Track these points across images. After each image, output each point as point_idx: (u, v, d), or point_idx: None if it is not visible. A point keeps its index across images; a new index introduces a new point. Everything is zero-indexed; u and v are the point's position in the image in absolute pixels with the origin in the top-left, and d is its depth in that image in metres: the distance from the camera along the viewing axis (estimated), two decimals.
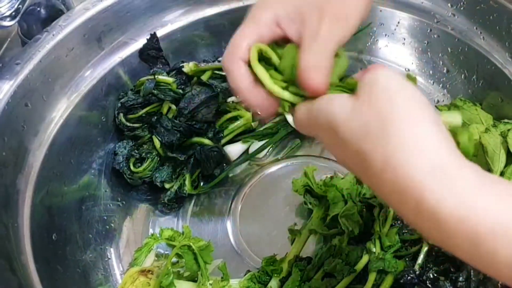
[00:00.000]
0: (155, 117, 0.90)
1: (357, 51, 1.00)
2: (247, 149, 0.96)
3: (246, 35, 0.50)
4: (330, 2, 0.48)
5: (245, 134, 0.96)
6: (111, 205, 0.90)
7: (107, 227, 0.88)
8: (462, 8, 0.89)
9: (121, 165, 0.89)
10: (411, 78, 0.48)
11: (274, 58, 0.51)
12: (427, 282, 0.67)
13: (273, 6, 0.50)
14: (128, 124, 0.90)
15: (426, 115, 0.40)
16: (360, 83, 0.44)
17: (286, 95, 0.50)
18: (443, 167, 0.37)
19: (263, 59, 0.51)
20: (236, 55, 0.50)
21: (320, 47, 0.47)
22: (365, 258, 0.71)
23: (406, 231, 0.74)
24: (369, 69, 0.44)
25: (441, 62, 0.96)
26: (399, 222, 0.75)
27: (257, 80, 0.50)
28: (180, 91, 0.91)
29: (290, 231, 0.83)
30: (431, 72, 0.98)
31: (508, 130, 0.71)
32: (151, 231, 0.89)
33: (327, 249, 0.74)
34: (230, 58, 0.50)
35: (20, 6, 0.81)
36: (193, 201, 0.92)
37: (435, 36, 0.93)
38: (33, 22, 0.88)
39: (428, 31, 0.93)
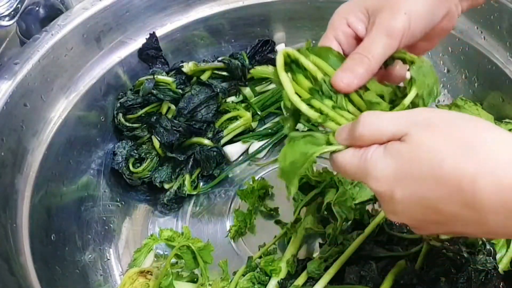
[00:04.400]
0: (155, 117, 0.90)
1: None
2: (247, 149, 0.96)
3: (328, 39, 0.55)
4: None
5: (245, 134, 0.96)
6: (110, 205, 0.89)
7: (106, 227, 0.87)
8: None
9: (120, 165, 0.89)
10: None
11: (305, 62, 0.51)
12: (428, 282, 0.67)
13: (345, 12, 0.55)
14: (127, 124, 0.90)
15: (488, 124, 0.40)
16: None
17: (304, 107, 0.50)
18: None
19: (295, 62, 0.53)
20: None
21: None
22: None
23: (406, 230, 0.74)
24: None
25: (441, 62, 0.95)
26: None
27: None
28: (180, 91, 0.91)
29: (276, 222, 0.84)
30: None
31: (510, 130, 0.70)
32: (150, 231, 0.88)
33: None
34: None
35: (19, 5, 0.81)
36: (192, 202, 0.92)
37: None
38: (32, 22, 0.88)
39: None
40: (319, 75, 0.51)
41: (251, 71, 0.57)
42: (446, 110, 0.43)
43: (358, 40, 0.54)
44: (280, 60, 0.52)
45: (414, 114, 0.43)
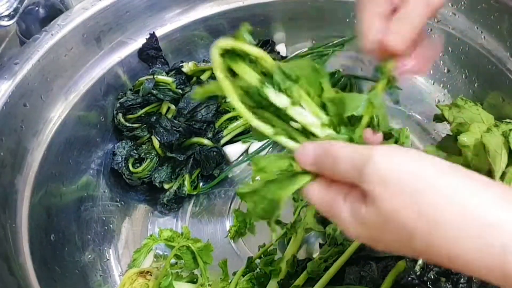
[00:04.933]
0: (154, 117, 0.90)
1: (357, 51, 1.00)
2: (247, 149, 0.96)
3: (369, 14, 0.50)
4: None
5: (245, 134, 0.96)
6: (109, 205, 0.89)
7: (106, 227, 0.87)
8: (463, 8, 0.89)
9: (120, 166, 0.89)
10: (403, 134, 0.46)
11: (248, 49, 0.46)
12: (428, 283, 0.66)
13: None
14: (127, 124, 0.90)
15: (452, 185, 0.37)
16: (366, 186, 0.39)
17: (254, 122, 0.44)
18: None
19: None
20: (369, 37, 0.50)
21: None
22: None
23: None
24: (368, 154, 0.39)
25: (441, 62, 0.95)
26: None
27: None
28: (180, 91, 0.91)
29: (276, 222, 0.83)
30: (431, 72, 0.98)
31: (510, 130, 0.70)
32: (150, 231, 0.88)
33: None
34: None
35: (19, 5, 0.80)
36: (192, 202, 0.92)
37: (436, 35, 0.92)
38: (32, 22, 0.87)
39: (429, 30, 0.92)
40: (269, 62, 0.45)
41: (193, 96, 0.50)
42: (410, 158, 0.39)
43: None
44: (217, 61, 0.46)
45: (367, 166, 0.39)
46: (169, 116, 0.90)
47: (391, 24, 0.49)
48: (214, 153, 0.90)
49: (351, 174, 0.39)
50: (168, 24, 0.94)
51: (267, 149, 0.96)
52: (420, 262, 0.69)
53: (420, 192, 0.36)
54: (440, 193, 0.36)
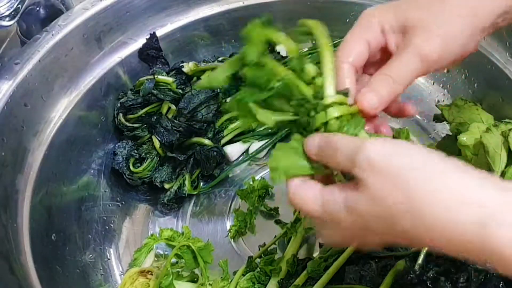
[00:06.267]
0: (155, 117, 0.90)
1: None
2: (247, 149, 0.96)
3: (357, 38, 0.51)
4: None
5: (245, 134, 0.96)
6: (110, 205, 0.89)
7: (107, 227, 0.87)
8: None
9: (121, 165, 0.89)
10: (403, 134, 0.47)
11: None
12: (427, 282, 0.67)
13: (381, 16, 0.51)
14: (128, 124, 0.90)
15: (437, 170, 0.38)
16: (356, 171, 0.41)
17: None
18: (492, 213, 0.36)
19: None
20: (343, 57, 0.50)
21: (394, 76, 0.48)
22: None
23: None
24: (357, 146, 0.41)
25: None
26: None
27: None
28: (180, 91, 0.91)
29: (276, 222, 0.84)
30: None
31: (509, 130, 0.70)
32: (150, 231, 0.88)
33: None
34: (339, 56, 0.50)
35: (19, 5, 0.81)
36: (192, 201, 0.92)
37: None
38: (32, 22, 0.88)
39: None
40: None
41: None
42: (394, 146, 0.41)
43: (383, 52, 0.51)
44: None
45: (359, 153, 0.41)
46: (170, 116, 0.90)
47: (373, 79, 0.48)
48: (215, 153, 0.90)
49: (347, 162, 0.42)
50: (169, 24, 0.94)
51: (267, 149, 0.96)
52: (419, 261, 0.69)
53: (406, 177, 0.38)
54: (425, 177, 0.38)
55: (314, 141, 0.45)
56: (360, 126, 0.45)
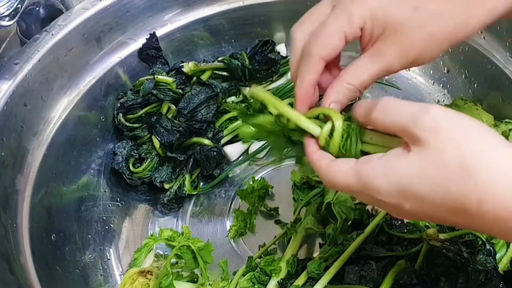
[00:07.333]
0: (155, 117, 0.90)
1: (356, 51, 1.00)
2: (247, 149, 0.96)
3: (334, 29, 0.52)
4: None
5: None
6: (110, 205, 0.89)
7: (107, 227, 0.87)
8: None
9: (121, 165, 0.89)
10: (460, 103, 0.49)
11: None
12: (428, 282, 0.67)
13: (367, 3, 0.51)
14: (128, 124, 0.90)
15: (493, 141, 0.41)
16: (407, 131, 0.42)
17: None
18: None
19: None
20: (316, 50, 0.52)
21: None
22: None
23: (406, 230, 0.74)
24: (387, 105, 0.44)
25: (441, 62, 0.95)
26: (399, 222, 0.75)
27: None
28: (180, 91, 0.91)
29: (276, 222, 0.84)
30: (431, 72, 0.98)
31: (510, 130, 0.70)
32: (150, 231, 0.88)
33: None
34: (312, 49, 0.52)
35: (19, 5, 0.80)
36: (192, 202, 0.92)
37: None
38: (32, 22, 0.88)
39: None
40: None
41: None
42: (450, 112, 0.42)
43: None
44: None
45: (424, 114, 0.42)
46: (170, 116, 0.90)
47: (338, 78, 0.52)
48: (214, 153, 0.90)
49: (404, 121, 0.42)
50: (168, 24, 0.94)
51: (267, 149, 0.96)
52: (419, 261, 0.69)
53: (466, 143, 0.40)
54: (483, 146, 0.40)
55: (363, 103, 0.47)
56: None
